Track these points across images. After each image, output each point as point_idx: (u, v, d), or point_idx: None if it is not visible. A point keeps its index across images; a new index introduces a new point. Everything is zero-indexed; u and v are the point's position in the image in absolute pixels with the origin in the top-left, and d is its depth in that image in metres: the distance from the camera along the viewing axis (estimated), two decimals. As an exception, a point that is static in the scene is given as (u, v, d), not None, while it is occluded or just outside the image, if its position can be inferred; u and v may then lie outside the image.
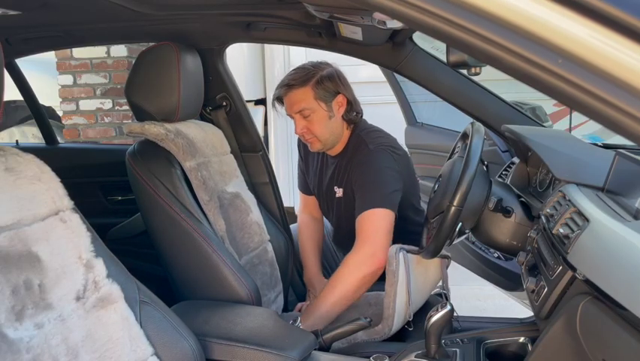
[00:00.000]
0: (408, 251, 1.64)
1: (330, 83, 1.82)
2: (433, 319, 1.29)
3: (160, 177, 1.59)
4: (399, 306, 1.60)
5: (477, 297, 3.23)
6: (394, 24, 1.38)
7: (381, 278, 1.79)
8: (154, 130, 1.63)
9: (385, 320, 1.61)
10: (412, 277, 1.64)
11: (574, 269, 1.00)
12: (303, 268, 2.15)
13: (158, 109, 1.67)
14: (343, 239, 2.04)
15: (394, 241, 1.69)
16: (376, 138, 1.85)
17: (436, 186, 1.59)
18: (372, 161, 1.78)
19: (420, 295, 1.72)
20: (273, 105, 1.92)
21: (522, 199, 1.51)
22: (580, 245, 0.99)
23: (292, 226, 2.28)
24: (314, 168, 2.11)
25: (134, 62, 1.71)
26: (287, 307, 2.03)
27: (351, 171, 1.84)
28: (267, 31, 1.90)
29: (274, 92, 1.89)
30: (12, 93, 2.21)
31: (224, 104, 2.05)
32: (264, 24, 1.86)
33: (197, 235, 1.57)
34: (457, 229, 1.42)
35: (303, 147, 2.15)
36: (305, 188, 2.21)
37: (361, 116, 1.93)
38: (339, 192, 1.94)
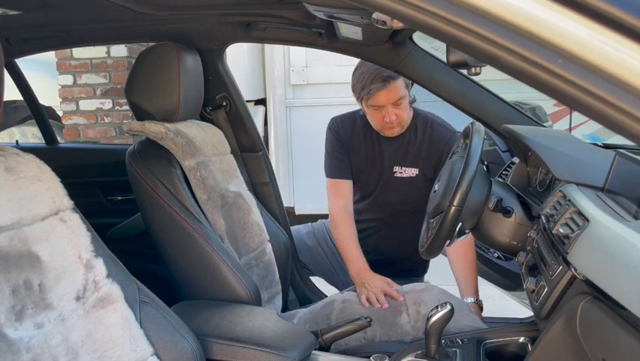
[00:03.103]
0: None
1: None
2: (433, 319, 1.29)
3: (160, 176, 1.59)
4: None
5: (477, 297, 3.21)
6: (394, 24, 1.38)
7: None
8: (154, 128, 1.63)
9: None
10: None
11: (574, 269, 1.00)
12: (346, 263, 1.94)
13: (158, 109, 1.67)
14: (397, 220, 2.09)
15: None
16: (444, 121, 2.06)
17: (436, 186, 1.59)
18: None
19: None
20: (362, 99, 1.93)
21: (522, 199, 1.51)
22: (580, 245, 0.99)
23: (292, 228, 2.28)
24: (364, 150, 2.08)
25: (134, 62, 1.71)
26: (287, 307, 2.03)
27: (433, 151, 2.00)
28: (267, 31, 1.90)
29: (367, 87, 1.88)
30: (12, 93, 2.20)
31: (224, 104, 2.05)
32: (264, 24, 1.86)
33: (197, 235, 1.57)
34: (457, 229, 1.42)
35: (342, 129, 2.10)
36: (342, 172, 2.06)
37: None
38: (408, 171, 2.02)
